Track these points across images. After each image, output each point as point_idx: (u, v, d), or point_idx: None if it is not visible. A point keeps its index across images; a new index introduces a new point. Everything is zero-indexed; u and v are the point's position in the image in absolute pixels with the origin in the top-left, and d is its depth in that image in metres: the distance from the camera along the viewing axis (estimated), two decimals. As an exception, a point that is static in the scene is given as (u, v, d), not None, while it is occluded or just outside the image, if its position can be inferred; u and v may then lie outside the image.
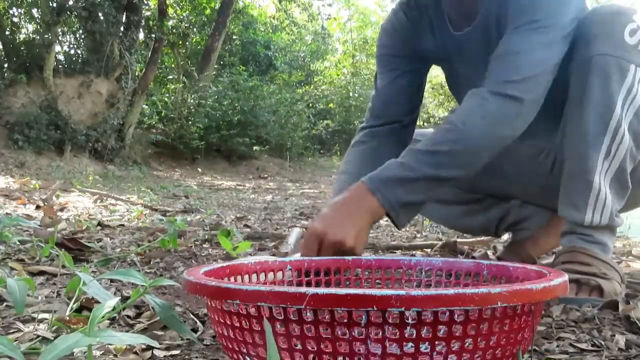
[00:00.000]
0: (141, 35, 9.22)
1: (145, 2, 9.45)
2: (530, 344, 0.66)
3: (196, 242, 1.77)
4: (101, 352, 0.74)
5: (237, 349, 0.61)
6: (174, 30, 9.84)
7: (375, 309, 0.51)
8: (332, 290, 0.53)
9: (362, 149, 1.33)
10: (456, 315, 0.54)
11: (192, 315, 0.94)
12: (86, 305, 0.92)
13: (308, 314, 0.55)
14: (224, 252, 1.57)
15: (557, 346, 0.84)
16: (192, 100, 9.85)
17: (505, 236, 1.73)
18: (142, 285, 0.79)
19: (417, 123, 1.41)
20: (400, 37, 1.32)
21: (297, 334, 0.56)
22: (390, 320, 0.54)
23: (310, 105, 13.73)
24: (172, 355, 0.76)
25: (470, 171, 1.10)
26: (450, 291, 0.52)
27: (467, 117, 1.07)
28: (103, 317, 0.70)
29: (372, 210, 1.00)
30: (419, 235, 2.32)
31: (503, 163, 1.38)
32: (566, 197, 1.16)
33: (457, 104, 1.47)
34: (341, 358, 0.55)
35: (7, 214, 2.25)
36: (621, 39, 1.07)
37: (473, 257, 1.50)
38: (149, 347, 0.76)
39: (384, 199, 0.99)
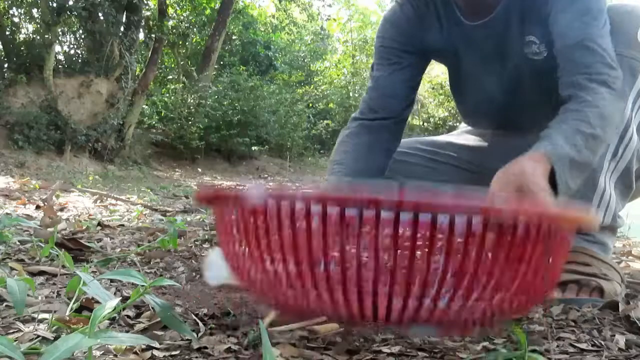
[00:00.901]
0: (141, 35, 9.22)
1: (145, 2, 9.44)
2: (550, 291, 0.65)
3: (196, 242, 1.77)
4: (101, 352, 0.74)
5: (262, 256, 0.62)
6: (174, 30, 9.84)
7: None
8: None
9: (357, 142, 1.29)
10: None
11: (192, 315, 0.94)
12: (86, 305, 0.92)
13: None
14: (224, 252, 1.57)
15: (557, 346, 0.84)
16: (192, 100, 9.85)
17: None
18: (142, 285, 0.79)
19: (417, 123, 1.41)
20: (405, 30, 1.28)
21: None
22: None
23: (310, 105, 13.72)
24: (172, 356, 0.76)
25: None
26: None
27: (611, 105, 1.00)
28: (103, 317, 0.70)
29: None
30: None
31: (496, 161, 1.38)
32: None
33: (456, 102, 1.45)
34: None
35: (7, 214, 2.25)
36: (634, 39, 1.07)
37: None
38: (149, 347, 0.76)
39: (562, 182, 0.92)
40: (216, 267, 1.45)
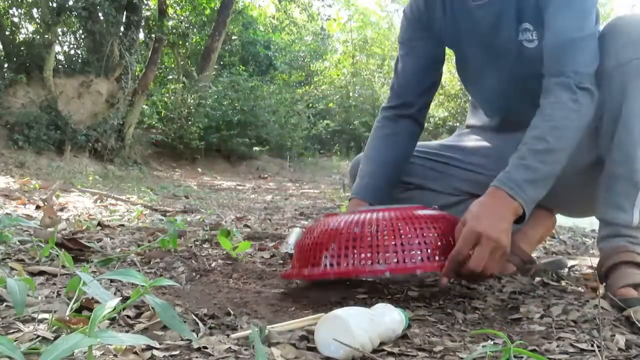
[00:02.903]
0: (141, 35, 9.22)
1: (145, 2, 9.45)
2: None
3: (196, 242, 1.77)
4: (101, 352, 0.74)
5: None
6: (174, 30, 9.83)
7: None
8: None
9: (382, 135, 1.45)
10: None
11: (192, 315, 0.94)
12: (86, 305, 0.92)
13: None
14: (224, 252, 1.57)
15: (557, 346, 0.84)
16: (192, 100, 9.85)
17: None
18: (142, 285, 0.79)
19: None
20: (415, 18, 1.39)
21: None
22: None
23: (310, 105, 13.73)
24: (172, 356, 0.76)
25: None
26: None
27: (566, 111, 1.12)
28: (103, 317, 0.70)
29: (514, 211, 1.10)
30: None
31: (486, 159, 1.41)
32: (610, 198, 1.18)
33: (464, 88, 1.55)
34: None
35: (7, 214, 2.25)
36: None
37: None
38: (149, 347, 0.76)
39: (523, 201, 1.09)
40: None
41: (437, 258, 1.06)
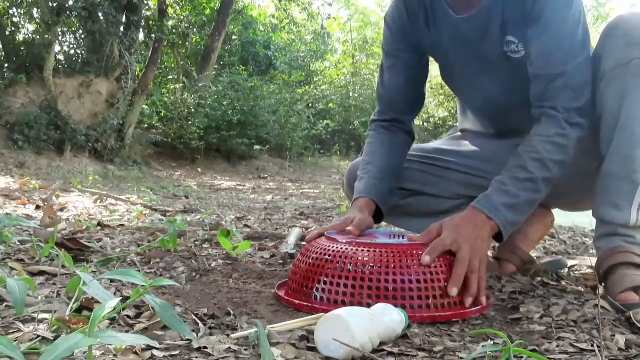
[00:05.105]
0: (141, 35, 9.21)
1: (145, 2, 9.44)
2: None
3: (196, 242, 1.77)
4: (101, 352, 0.74)
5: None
6: (174, 30, 9.83)
7: None
8: None
9: (380, 142, 1.44)
10: None
11: (192, 315, 0.94)
12: (86, 305, 0.92)
13: None
14: (224, 252, 1.57)
15: (557, 346, 0.84)
16: (192, 100, 9.84)
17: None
18: (142, 285, 0.79)
19: (417, 123, 1.47)
20: (398, 29, 1.37)
21: None
22: None
23: (310, 105, 13.72)
24: (172, 356, 0.76)
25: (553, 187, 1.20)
26: None
27: (551, 145, 1.16)
28: (103, 317, 0.70)
29: (491, 228, 1.13)
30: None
31: (484, 164, 1.41)
32: (607, 198, 1.17)
33: (452, 91, 1.54)
34: None
35: (7, 214, 2.25)
36: None
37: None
38: (149, 347, 0.76)
39: (500, 222, 1.13)
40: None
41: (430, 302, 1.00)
